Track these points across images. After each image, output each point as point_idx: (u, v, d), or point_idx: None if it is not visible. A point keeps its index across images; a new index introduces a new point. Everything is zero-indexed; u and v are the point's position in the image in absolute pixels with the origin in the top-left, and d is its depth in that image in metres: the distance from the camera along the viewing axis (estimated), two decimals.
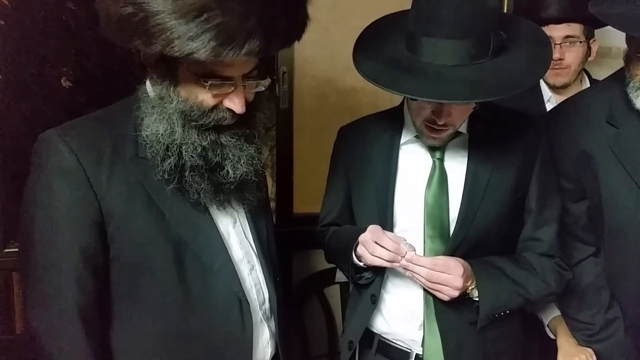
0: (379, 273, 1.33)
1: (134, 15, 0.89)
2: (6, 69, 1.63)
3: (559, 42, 1.83)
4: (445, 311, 1.27)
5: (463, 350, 1.28)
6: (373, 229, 1.21)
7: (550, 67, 1.78)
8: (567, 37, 1.83)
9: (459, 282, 1.18)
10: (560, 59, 1.83)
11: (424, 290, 1.26)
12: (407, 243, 1.20)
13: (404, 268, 1.20)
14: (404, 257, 1.18)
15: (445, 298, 1.21)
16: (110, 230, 1.02)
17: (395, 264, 1.19)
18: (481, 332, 1.28)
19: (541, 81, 1.94)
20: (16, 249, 1.51)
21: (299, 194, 2.11)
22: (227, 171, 1.06)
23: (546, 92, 1.93)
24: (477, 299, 1.25)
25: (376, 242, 1.19)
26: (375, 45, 1.23)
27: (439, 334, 1.27)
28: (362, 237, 1.22)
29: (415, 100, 1.17)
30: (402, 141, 1.33)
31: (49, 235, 0.99)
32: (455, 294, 1.20)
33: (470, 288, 1.23)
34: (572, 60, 1.84)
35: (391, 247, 1.17)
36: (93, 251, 1.01)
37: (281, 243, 1.35)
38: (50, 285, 1.00)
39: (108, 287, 1.05)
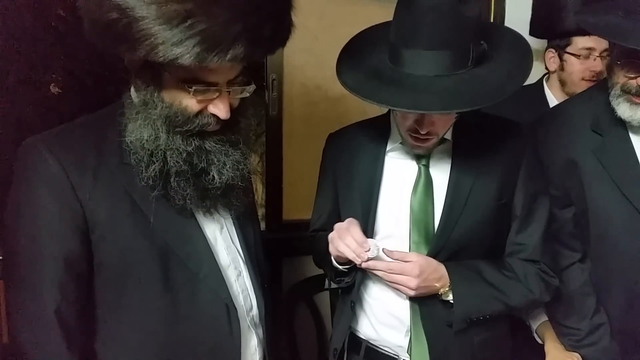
0: (357, 278, 1.34)
1: (118, 20, 0.89)
2: None
3: (598, 55, 1.82)
4: (431, 316, 1.28)
5: (450, 356, 1.28)
6: (342, 224, 1.24)
7: (588, 79, 1.81)
8: (605, 50, 1.81)
9: (412, 282, 1.21)
10: (600, 71, 1.81)
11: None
12: (373, 241, 1.22)
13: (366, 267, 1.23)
14: (367, 251, 1.18)
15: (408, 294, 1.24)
16: (94, 237, 1.01)
17: (358, 260, 1.19)
18: (468, 337, 1.28)
19: (548, 92, 1.94)
20: (1, 257, 1.49)
21: (288, 200, 2.11)
22: (213, 176, 1.05)
23: (553, 102, 1.92)
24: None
25: (346, 234, 1.20)
26: (359, 56, 1.24)
27: (425, 339, 1.27)
28: (330, 235, 1.25)
29: (395, 110, 1.18)
30: (388, 148, 1.34)
31: (32, 242, 0.98)
32: (411, 293, 1.22)
33: (444, 290, 1.24)
34: (603, 73, 1.83)
35: (358, 238, 1.19)
36: (76, 259, 1.00)
37: (271, 250, 1.35)
38: (32, 294, 0.98)
39: (92, 295, 1.04)
